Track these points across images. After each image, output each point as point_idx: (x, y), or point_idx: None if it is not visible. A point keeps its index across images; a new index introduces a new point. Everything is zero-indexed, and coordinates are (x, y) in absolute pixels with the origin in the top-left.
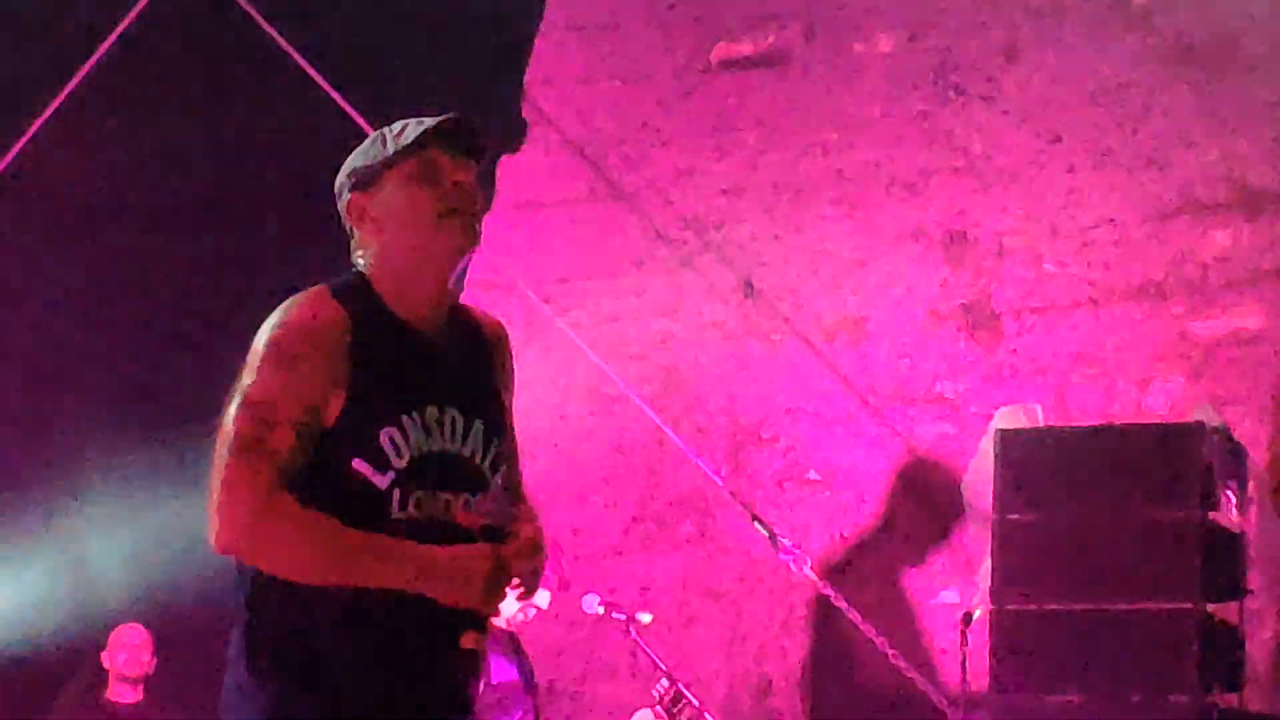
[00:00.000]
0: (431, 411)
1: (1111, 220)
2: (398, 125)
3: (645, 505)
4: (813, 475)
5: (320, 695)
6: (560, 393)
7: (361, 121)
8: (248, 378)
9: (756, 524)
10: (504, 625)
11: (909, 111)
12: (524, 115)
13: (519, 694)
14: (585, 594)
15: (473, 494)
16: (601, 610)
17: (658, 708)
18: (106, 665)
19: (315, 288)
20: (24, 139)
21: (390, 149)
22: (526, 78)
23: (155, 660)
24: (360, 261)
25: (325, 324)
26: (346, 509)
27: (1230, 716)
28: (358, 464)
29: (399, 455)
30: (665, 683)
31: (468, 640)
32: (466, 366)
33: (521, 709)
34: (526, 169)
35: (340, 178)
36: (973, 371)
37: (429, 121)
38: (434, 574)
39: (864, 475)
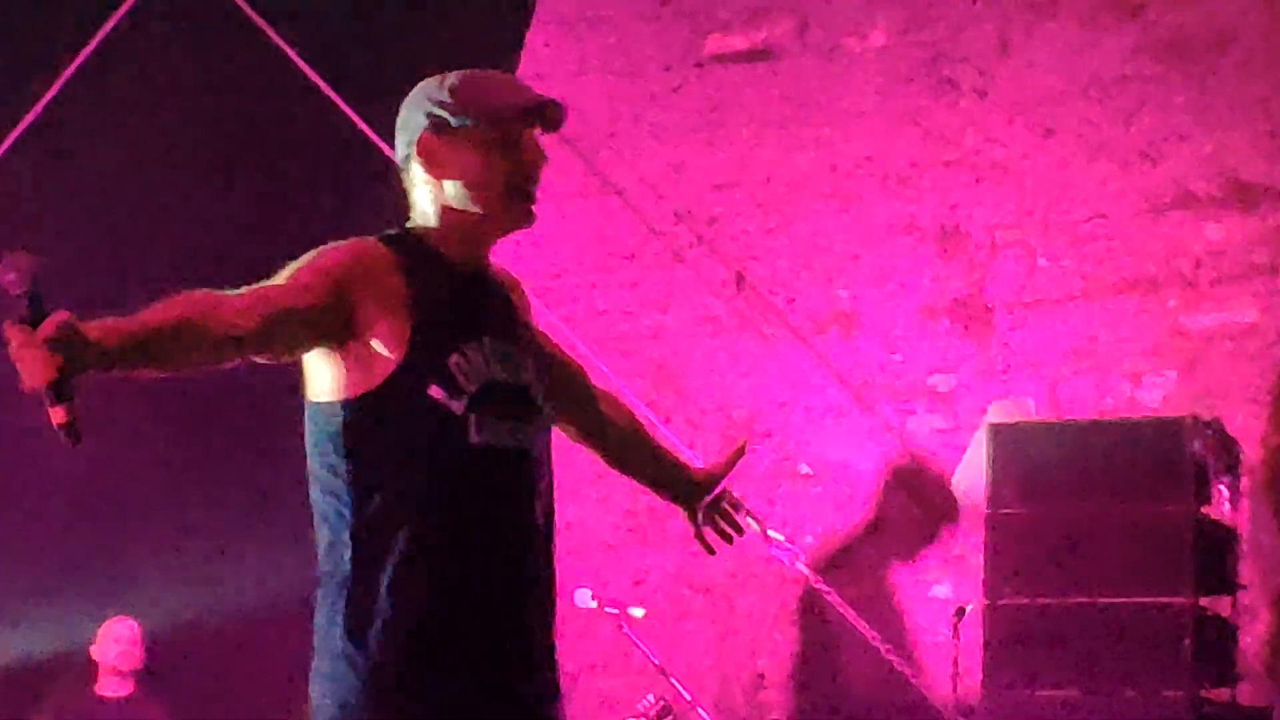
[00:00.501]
0: (488, 342)
1: (1104, 214)
2: (479, 76)
3: (637, 500)
4: (804, 469)
5: (426, 664)
6: None
7: (353, 114)
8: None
9: (749, 519)
10: None
11: (901, 105)
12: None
13: None
14: (577, 589)
15: (529, 423)
16: (594, 605)
17: None
18: (96, 659)
19: (353, 239)
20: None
21: (475, 105)
22: (518, 70)
23: (145, 654)
24: (412, 210)
25: (368, 256)
26: (427, 437)
27: (1223, 711)
28: (434, 390)
29: (470, 381)
30: (651, 698)
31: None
32: (507, 306)
33: None
34: None
35: (413, 107)
36: (965, 365)
37: (520, 97)
38: None
39: (856, 469)
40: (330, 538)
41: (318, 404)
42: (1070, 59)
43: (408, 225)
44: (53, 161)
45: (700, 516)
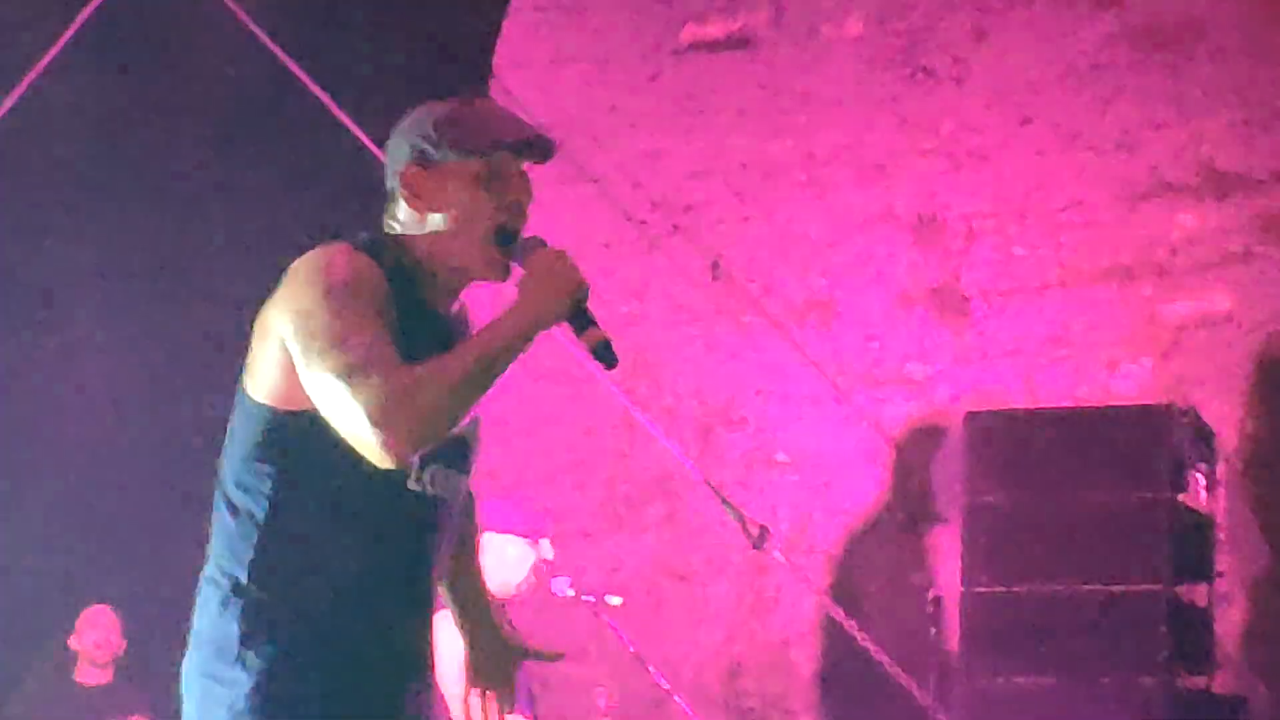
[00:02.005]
0: None
1: (1080, 202)
2: (471, 110)
3: (614, 487)
4: (781, 457)
5: (316, 666)
6: (528, 374)
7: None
8: (314, 340)
9: (726, 507)
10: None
11: (878, 94)
12: (492, 97)
13: None
14: (555, 576)
15: (463, 474)
16: (571, 593)
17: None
18: (75, 647)
19: (335, 244)
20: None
21: (462, 141)
22: (495, 59)
23: (124, 642)
24: (396, 226)
25: (370, 274)
26: (368, 472)
27: (1198, 698)
28: None
29: None
30: (604, 698)
31: None
32: None
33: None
34: None
35: (399, 137)
36: (942, 354)
37: (508, 131)
38: (540, 300)
39: (832, 457)
40: (235, 530)
41: (267, 405)
42: (1046, 47)
43: (387, 246)
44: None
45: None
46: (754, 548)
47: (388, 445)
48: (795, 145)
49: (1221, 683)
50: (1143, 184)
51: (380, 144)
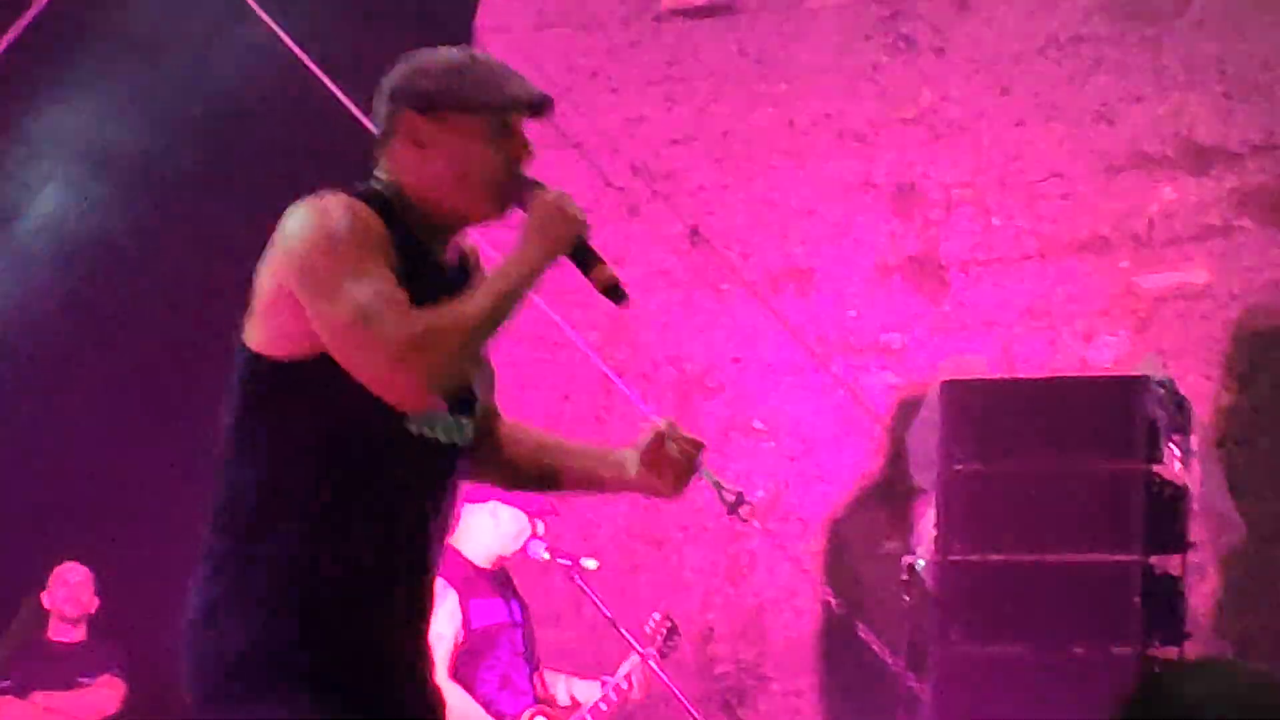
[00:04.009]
0: None
1: (1059, 174)
2: (476, 63)
3: None
4: (758, 424)
5: (315, 624)
6: (507, 339)
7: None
8: (323, 285)
9: (703, 473)
10: (489, 565)
11: (859, 63)
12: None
13: (505, 633)
14: (531, 540)
15: (468, 420)
16: (547, 556)
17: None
18: (47, 605)
19: (331, 192)
20: None
21: (469, 94)
22: (476, 24)
23: (97, 600)
24: (385, 176)
25: (370, 220)
26: (371, 414)
27: (1171, 668)
28: None
29: None
30: (658, 617)
31: None
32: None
33: (510, 649)
34: None
35: (399, 82)
36: (919, 323)
37: (516, 89)
38: (542, 241)
39: (809, 425)
40: (239, 484)
41: (273, 358)
42: (1028, 19)
43: (383, 193)
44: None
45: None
46: (729, 513)
47: (409, 385)
48: (776, 113)
49: (1193, 652)
50: (1121, 156)
51: (361, 106)
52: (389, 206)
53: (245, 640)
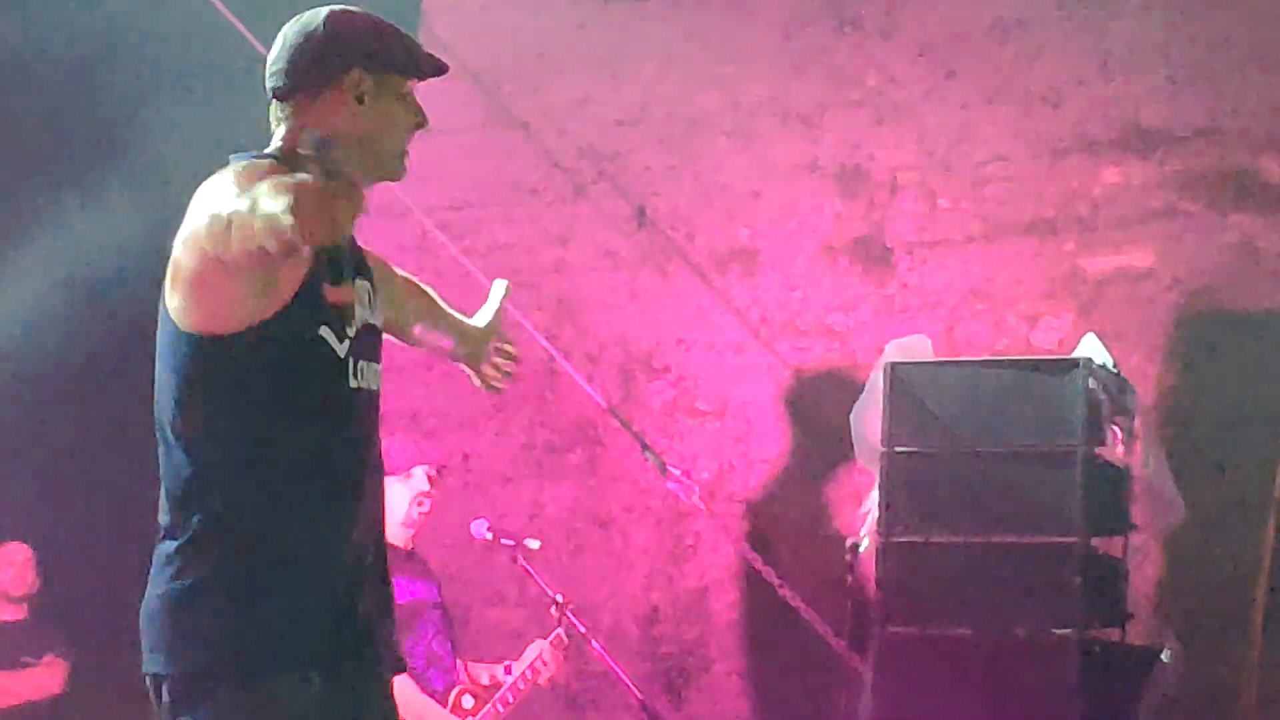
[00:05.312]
0: (360, 284)
1: (1004, 157)
2: (392, 27)
3: (535, 432)
4: (702, 405)
5: (283, 604)
6: None
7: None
8: (221, 206)
9: (646, 453)
10: (403, 544)
11: (805, 44)
12: (421, 42)
13: (427, 611)
14: (474, 520)
15: (379, 363)
16: (489, 536)
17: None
18: None
19: (248, 160)
20: None
21: (400, 58)
22: (424, 4)
23: (38, 580)
24: (316, 128)
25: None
26: (314, 377)
27: (1112, 650)
28: (324, 331)
29: (350, 325)
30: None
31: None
32: (357, 246)
33: (432, 627)
34: (422, 95)
35: (349, 39)
36: (864, 305)
37: (428, 57)
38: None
39: (754, 406)
40: (186, 464)
41: (201, 334)
42: (973, 2)
43: (281, 151)
44: None
45: (482, 359)
46: (660, 474)
47: (300, 232)
48: (722, 95)
49: (1135, 634)
50: (1066, 139)
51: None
52: (306, 168)
53: (230, 619)
